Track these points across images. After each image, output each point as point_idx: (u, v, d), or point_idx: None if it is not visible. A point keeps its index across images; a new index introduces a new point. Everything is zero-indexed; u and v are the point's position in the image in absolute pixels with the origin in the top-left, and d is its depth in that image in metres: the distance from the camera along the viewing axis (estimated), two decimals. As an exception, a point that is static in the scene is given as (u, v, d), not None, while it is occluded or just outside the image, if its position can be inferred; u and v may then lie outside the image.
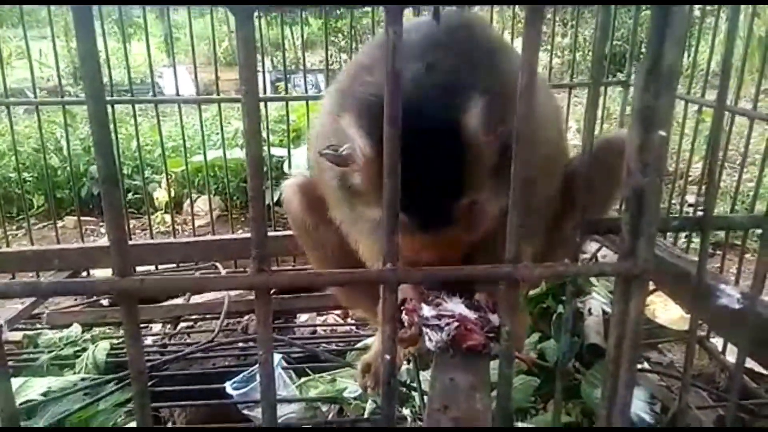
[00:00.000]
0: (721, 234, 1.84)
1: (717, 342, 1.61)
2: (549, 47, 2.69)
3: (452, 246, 0.90)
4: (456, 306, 0.91)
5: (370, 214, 0.90)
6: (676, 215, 2.01)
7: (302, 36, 2.42)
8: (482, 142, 0.82)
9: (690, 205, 2.42)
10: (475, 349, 0.83)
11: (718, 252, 1.88)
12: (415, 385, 1.30)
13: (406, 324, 0.89)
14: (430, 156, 0.77)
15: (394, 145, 0.47)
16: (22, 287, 0.54)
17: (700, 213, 2.31)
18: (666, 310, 1.70)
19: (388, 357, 0.53)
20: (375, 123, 0.75)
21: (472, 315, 0.88)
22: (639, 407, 0.91)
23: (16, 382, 1.45)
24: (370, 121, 0.81)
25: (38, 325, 1.88)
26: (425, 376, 1.27)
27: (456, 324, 0.86)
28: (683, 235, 2.05)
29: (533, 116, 0.49)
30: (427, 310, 0.88)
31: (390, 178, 0.47)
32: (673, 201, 2.15)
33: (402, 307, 0.90)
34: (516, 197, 0.51)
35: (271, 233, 2.04)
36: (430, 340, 0.85)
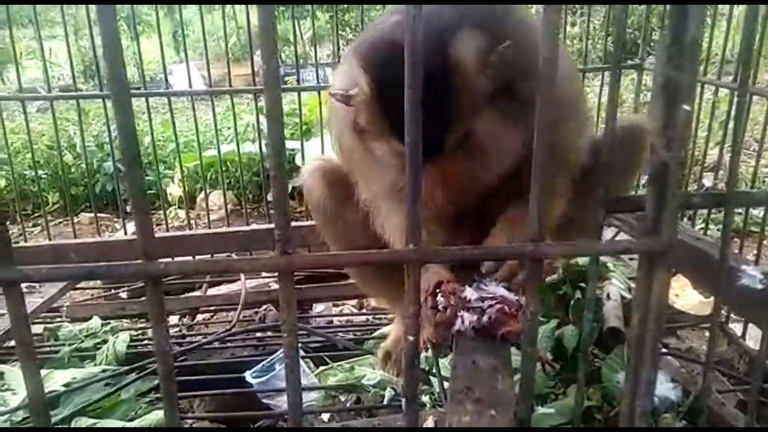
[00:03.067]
0: (739, 221, 1.82)
1: (736, 328, 1.59)
2: (560, 36, 2.67)
3: (465, 181, 0.92)
4: (497, 288, 0.90)
5: (378, 151, 0.94)
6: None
7: (313, 30, 2.42)
8: (472, 69, 0.84)
9: (706, 189, 2.40)
10: (510, 337, 0.82)
11: (735, 239, 1.87)
12: (434, 371, 1.30)
13: (440, 307, 0.88)
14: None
15: (417, 124, 0.47)
16: (49, 272, 0.55)
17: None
18: (684, 296, 1.69)
19: (411, 338, 0.53)
20: (375, 61, 0.86)
21: (513, 297, 0.87)
22: (663, 388, 0.91)
23: (37, 374, 1.48)
24: (371, 60, 0.87)
25: (58, 318, 1.91)
26: (444, 363, 1.28)
27: (498, 306, 0.85)
28: (700, 218, 2.04)
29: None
30: (469, 292, 0.87)
31: (412, 154, 0.48)
32: (689, 188, 2.14)
33: (439, 290, 0.89)
34: (538, 173, 0.51)
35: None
36: (462, 322, 0.84)
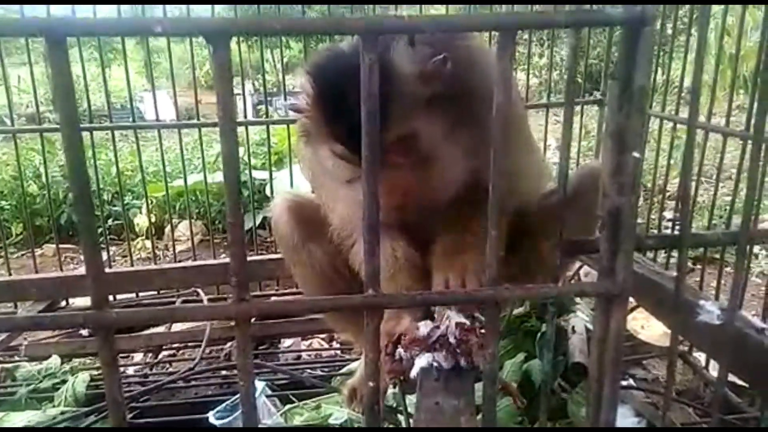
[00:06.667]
0: (700, 249, 1.86)
1: (700, 356, 1.62)
2: (526, 67, 2.73)
3: (412, 189, 0.93)
4: (449, 313, 0.90)
5: (323, 153, 0.97)
6: (655, 231, 2.04)
7: (282, 59, 2.43)
8: (410, 74, 0.88)
9: (669, 220, 2.45)
10: (475, 356, 0.82)
11: (697, 266, 1.90)
12: (401, 408, 1.28)
13: (398, 357, 0.88)
14: (358, 91, 0.81)
15: (373, 170, 0.47)
16: (-5, 322, 0.53)
17: (677, 229, 2.34)
18: (648, 327, 1.71)
19: (371, 384, 0.52)
20: (319, 66, 0.91)
21: (462, 318, 0.88)
22: (628, 422, 0.91)
23: (-7, 417, 1.42)
24: (316, 65, 0.93)
25: (16, 357, 1.84)
26: (411, 399, 1.26)
27: (456, 323, 0.86)
28: (663, 251, 2.08)
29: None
30: (423, 328, 0.87)
31: (369, 201, 0.48)
32: (652, 217, 2.18)
33: (401, 342, 0.89)
34: (494, 220, 0.51)
35: (254, 257, 2.02)
36: (428, 362, 0.84)
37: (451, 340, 0.84)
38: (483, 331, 0.86)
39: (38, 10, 1.93)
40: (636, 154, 0.50)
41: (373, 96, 0.47)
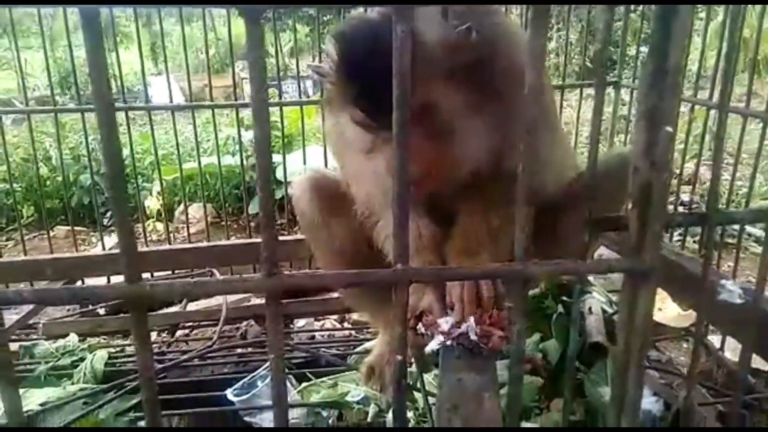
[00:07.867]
0: (717, 232, 1.85)
1: (714, 339, 1.62)
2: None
3: (434, 160, 0.93)
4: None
5: (344, 121, 0.98)
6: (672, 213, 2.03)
7: (295, 42, 2.43)
8: (432, 42, 0.88)
9: (682, 204, 2.45)
10: (497, 349, 0.84)
11: (713, 250, 1.90)
12: (418, 386, 1.29)
13: (419, 332, 0.89)
14: (381, 57, 0.80)
15: (404, 146, 0.48)
16: (32, 294, 0.53)
17: (695, 209, 2.32)
18: (664, 308, 1.71)
19: (399, 357, 0.53)
20: (345, 32, 0.91)
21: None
22: (645, 402, 0.91)
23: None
24: (341, 31, 0.92)
25: (34, 336, 1.86)
26: (428, 378, 1.27)
27: (476, 319, 0.87)
28: (677, 232, 2.08)
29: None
30: (444, 323, 0.87)
31: (399, 176, 0.48)
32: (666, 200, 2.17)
33: (423, 321, 0.90)
34: (523, 197, 0.51)
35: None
36: (445, 339, 0.85)
37: (472, 337, 0.85)
38: (506, 319, 0.87)
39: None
40: (669, 128, 0.50)
41: (405, 68, 0.46)
